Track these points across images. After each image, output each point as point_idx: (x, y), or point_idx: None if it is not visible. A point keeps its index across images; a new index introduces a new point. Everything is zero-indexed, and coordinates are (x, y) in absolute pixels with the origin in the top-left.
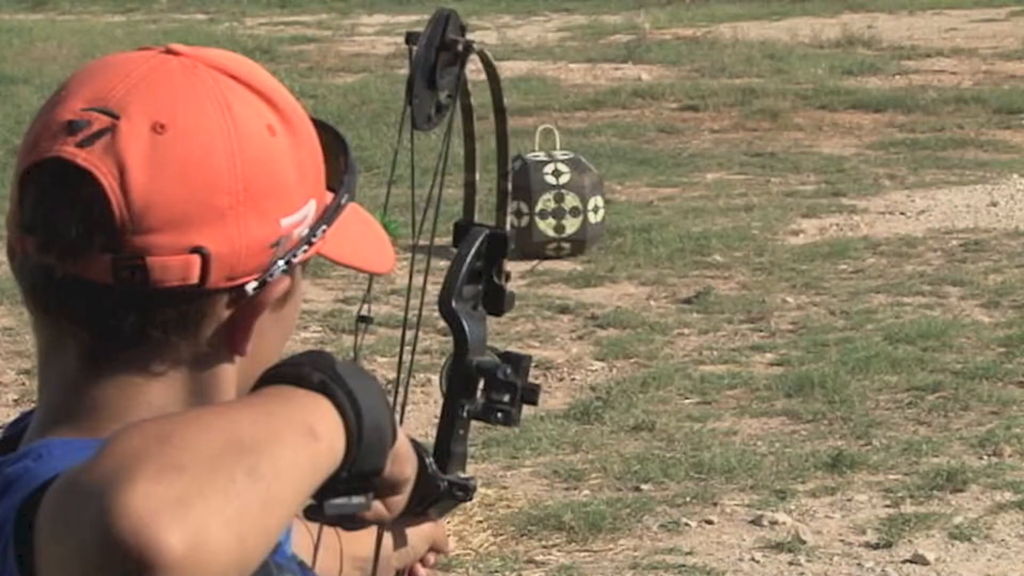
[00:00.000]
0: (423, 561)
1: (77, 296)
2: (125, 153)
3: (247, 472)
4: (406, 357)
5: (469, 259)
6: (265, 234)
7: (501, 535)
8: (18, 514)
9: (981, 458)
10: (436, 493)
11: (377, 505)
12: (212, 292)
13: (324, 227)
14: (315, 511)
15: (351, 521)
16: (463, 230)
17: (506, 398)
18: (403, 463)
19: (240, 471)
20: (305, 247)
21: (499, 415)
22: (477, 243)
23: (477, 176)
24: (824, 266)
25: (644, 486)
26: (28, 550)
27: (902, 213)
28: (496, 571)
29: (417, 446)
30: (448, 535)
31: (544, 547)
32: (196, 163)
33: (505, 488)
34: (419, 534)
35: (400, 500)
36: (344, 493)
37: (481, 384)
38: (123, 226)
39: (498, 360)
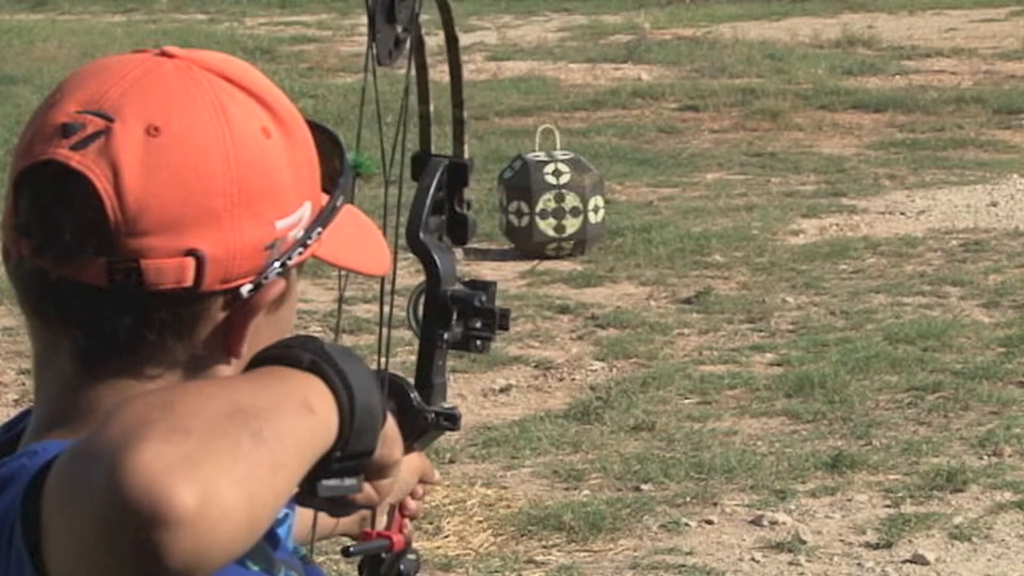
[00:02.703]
0: (413, 493)
1: (72, 299)
2: (119, 156)
3: (252, 436)
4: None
5: (432, 191)
6: (260, 236)
7: (501, 535)
8: (23, 500)
9: (981, 458)
10: (424, 426)
11: (368, 488)
12: (207, 294)
13: (319, 229)
14: (308, 494)
15: (342, 506)
16: (422, 162)
17: (482, 325)
18: (392, 446)
19: (245, 435)
20: (300, 249)
21: (478, 343)
22: (438, 174)
23: (432, 107)
24: (824, 266)
25: (644, 486)
26: (36, 534)
27: (902, 213)
28: (496, 571)
29: (400, 381)
30: (448, 534)
31: (544, 547)
32: (190, 165)
33: (505, 488)
34: (408, 467)
35: (389, 484)
36: (336, 475)
37: (455, 314)
38: (117, 229)
39: (470, 289)
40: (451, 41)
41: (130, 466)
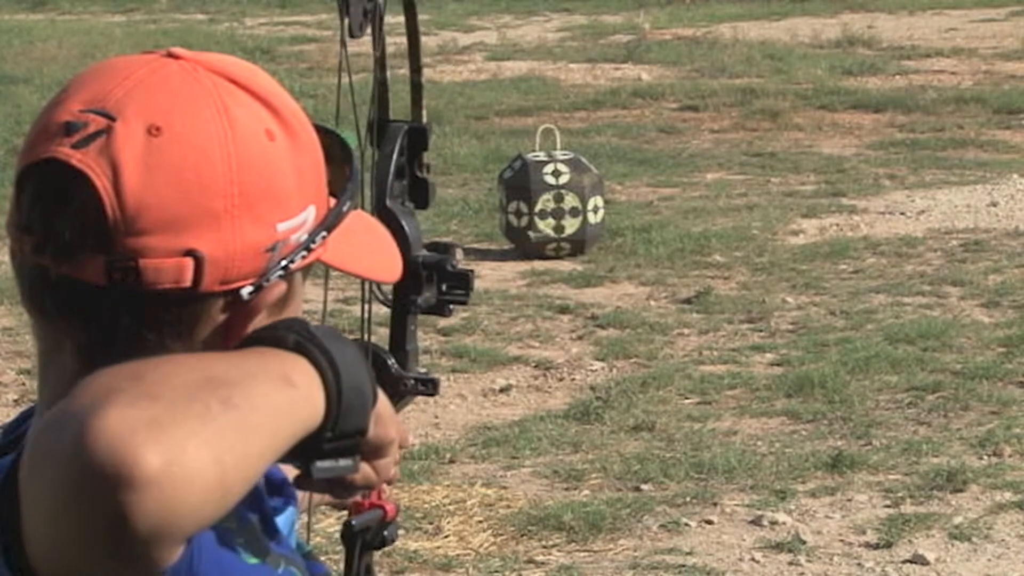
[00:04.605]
0: None
1: (71, 297)
2: (119, 155)
3: (221, 401)
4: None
5: (395, 157)
6: (260, 238)
7: (501, 535)
8: (4, 484)
9: (981, 458)
10: (403, 391)
11: (365, 468)
12: (206, 295)
13: (324, 233)
14: (304, 477)
15: (341, 487)
16: (381, 128)
17: (451, 288)
18: (386, 425)
19: (214, 400)
20: (303, 253)
21: (451, 307)
22: (399, 140)
23: (388, 75)
24: (824, 266)
25: (644, 486)
26: (14, 517)
27: (902, 213)
28: (496, 571)
29: (378, 349)
30: (448, 534)
31: (544, 547)
32: (191, 166)
33: (505, 488)
34: None
35: (388, 463)
36: (330, 455)
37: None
38: (116, 227)
39: (437, 254)
40: (408, 8)
41: (95, 429)
